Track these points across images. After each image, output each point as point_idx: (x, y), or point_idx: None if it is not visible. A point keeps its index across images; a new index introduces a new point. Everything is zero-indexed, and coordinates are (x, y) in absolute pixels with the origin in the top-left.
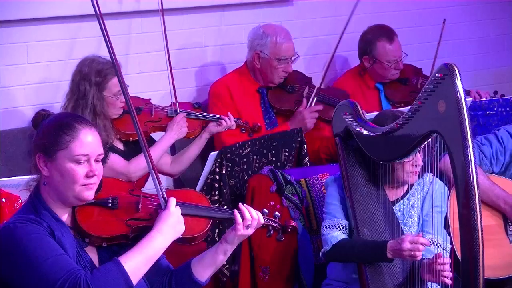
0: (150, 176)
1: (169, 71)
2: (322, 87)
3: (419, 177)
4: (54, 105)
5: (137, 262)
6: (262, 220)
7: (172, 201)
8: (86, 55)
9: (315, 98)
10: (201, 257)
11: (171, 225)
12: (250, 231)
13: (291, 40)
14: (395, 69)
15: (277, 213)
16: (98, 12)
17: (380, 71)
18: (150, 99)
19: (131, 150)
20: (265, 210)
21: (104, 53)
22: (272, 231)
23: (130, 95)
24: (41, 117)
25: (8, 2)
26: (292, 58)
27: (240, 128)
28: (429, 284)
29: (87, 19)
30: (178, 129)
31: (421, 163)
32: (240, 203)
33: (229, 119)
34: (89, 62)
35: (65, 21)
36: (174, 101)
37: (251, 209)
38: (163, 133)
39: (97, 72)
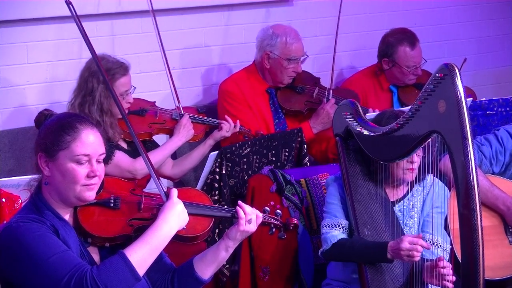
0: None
1: (168, 74)
2: (332, 87)
3: (420, 180)
4: (54, 105)
5: (143, 253)
6: (260, 214)
7: (174, 192)
8: (86, 55)
9: (331, 93)
10: (203, 254)
11: (176, 214)
12: (253, 227)
13: (301, 40)
14: (413, 75)
15: (278, 211)
16: (75, 16)
17: (398, 75)
18: (155, 101)
19: (135, 149)
20: (266, 208)
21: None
22: (274, 229)
23: (135, 96)
24: (43, 117)
25: (8, 2)
26: (302, 58)
27: (243, 135)
28: (429, 286)
29: (87, 19)
30: (186, 132)
31: (416, 160)
32: (239, 201)
33: (228, 122)
34: None
35: (65, 21)
36: (177, 104)
37: (247, 205)
38: (167, 135)
39: (105, 70)
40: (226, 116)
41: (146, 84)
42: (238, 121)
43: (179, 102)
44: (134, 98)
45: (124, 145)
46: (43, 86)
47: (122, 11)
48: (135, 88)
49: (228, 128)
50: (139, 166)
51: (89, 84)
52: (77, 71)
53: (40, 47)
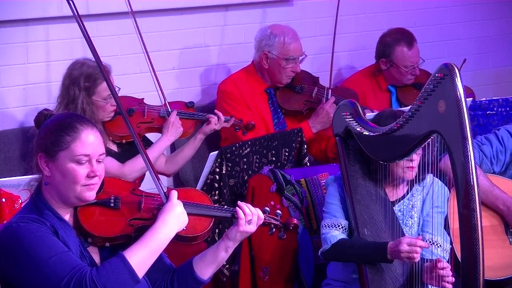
0: (149, 176)
1: (152, 72)
2: (331, 87)
3: (420, 180)
4: (53, 105)
5: (142, 255)
6: (261, 215)
7: (174, 193)
8: (85, 55)
9: (330, 93)
10: (203, 254)
11: (175, 216)
12: (252, 228)
13: (299, 40)
14: (411, 75)
15: (278, 211)
16: (76, 14)
17: (396, 75)
18: (143, 98)
19: (125, 151)
20: (266, 208)
21: (104, 53)
22: (274, 229)
23: (126, 94)
24: (43, 117)
25: (8, 2)
26: (300, 58)
27: (234, 127)
28: (429, 287)
29: (87, 19)
30: (174, 130)
31: (415, 158)
32: (238, 201)
33: (217, 117)
34: (79, 66)
35: (65, 21)
36: (164, 101)
37: (249, 205)
38: (156, 133)
39: (86, 76)
40: (216, 111)
41: (147, 84)
42: (233, 117)
43: (165, 99)
44: (121, 97)
45: (114, 148)
46: (43, 86)
47: (121, 11)
48: (120, 89)
49: (216, 121)
50: (127, 171)
51: (71, 91)
52: None
53: (40, 47)
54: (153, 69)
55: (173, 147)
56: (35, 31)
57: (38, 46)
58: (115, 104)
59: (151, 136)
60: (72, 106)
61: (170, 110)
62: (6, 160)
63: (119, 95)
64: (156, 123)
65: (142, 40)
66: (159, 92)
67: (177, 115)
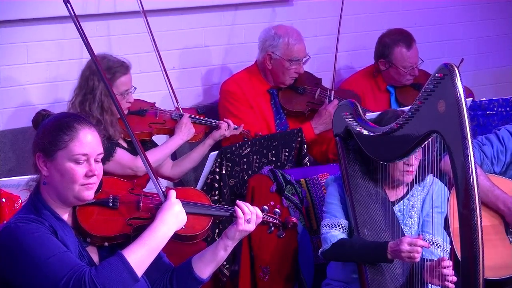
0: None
1: (165, 75)
2: (333, 88)
3: (420, 180)
4: (54, 105)
5: (141, 254)
6: (260, 214)
7: (172, 192)
8: (86, 55)
9: (333, 94)
10: (202, 254)
11: (173, 215)
12: (251, 227)
13: (303, 41)
14: (410, 75)
15: (277, 209)
16: (73, 14)
17: (395, 75)
18: (154, 102)
19: (134, 149)
20: (265, 207)
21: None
22: (272, 228)
23: (135, 97)
24: (41, 117)
25: (8, 2)
26: (304, 59)
27: (243, 136)
28: (429, 285)
29: (87, 19)
30: (187, 130)
31: (414, 162)
32: (237, 200)
33: (227, 124)
34: (100, 59)
35: (65, 21)
36: (176, 105)
37: (248, 204)
38: (167, 136)
39: (106, 68)
40: (225, 119)
41: (147, 84)
42: (242, 124)
43: (177, 103)
44: (134, 99)
45: (125, 145)
46: (43, 86)
47: (122, 11)
48: (136, 88)
49: (226, 127)
50: (140, 163)
51: (90, 82)
52: (77, 70)
53: (40, 47)
54: (165, 71)
55: (175, 156)
56: (35, 31)
57: (38, 46)
58: (131, 101)
59: (160, 138)
60: (90, 96)
61: (182, 113)
62: (6, 160)
63: (134, 94)
64: (168, 124)
65: (154, 41)
66: (172, 95)
67: (189, 117)
